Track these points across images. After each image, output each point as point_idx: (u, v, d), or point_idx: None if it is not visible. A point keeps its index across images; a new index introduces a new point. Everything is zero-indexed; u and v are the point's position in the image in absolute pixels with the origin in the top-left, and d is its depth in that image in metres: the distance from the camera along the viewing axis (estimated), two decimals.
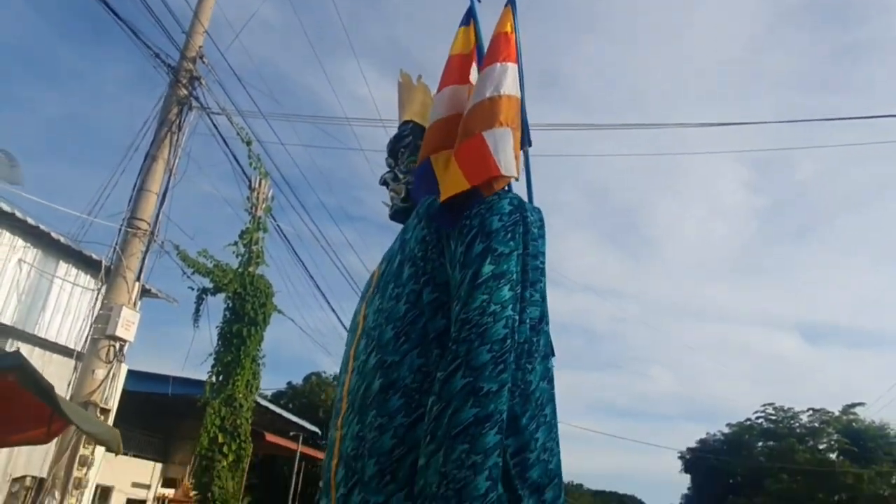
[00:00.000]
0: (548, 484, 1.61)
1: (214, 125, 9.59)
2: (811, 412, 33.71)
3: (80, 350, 7.90)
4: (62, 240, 8.37)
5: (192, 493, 14.24)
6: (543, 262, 1.80)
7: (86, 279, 9.06)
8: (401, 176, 2.23)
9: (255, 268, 10.40)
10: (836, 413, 32.74)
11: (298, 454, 20.87)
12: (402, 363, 1.66)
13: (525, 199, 2.06)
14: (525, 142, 2.17)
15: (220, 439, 9.47)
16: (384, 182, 2.27)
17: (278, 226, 10.88)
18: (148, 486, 18.14)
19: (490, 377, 1.49)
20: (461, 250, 1.70)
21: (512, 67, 2.08)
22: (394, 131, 2.42)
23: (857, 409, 32.52)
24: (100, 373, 7.72)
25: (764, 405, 36.39)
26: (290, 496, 20.14)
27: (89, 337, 7.85)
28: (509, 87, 2.03)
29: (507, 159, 1.88)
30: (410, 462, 1.54)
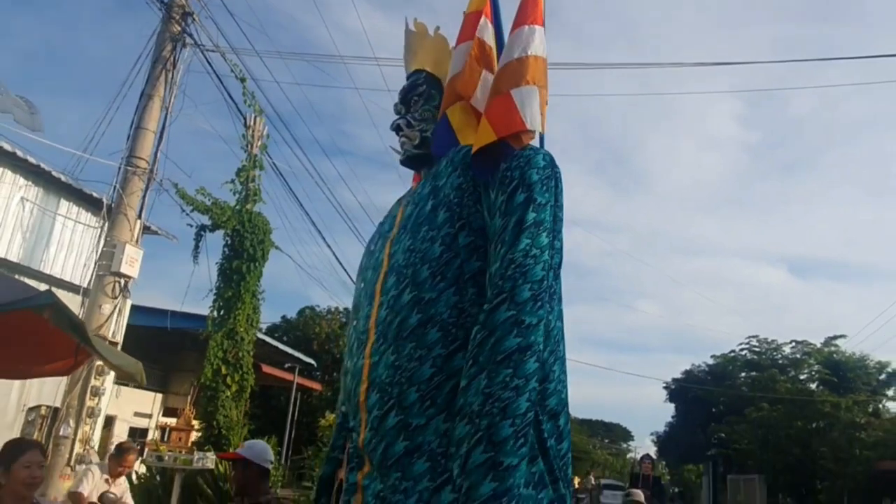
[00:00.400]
0: (561, 412, 1.80)
1: (209, 62, 9.58)
2: (794, 344, 34.58)
3: (86, 286, 8.13)
4: (63, 178, 8.48)
5: (193, 422, 14.72)
6: (563, 214, 1.92)
7: (86, 216, 9.21)
8: (414, 123, 2.29)
9: (253, 205, 10.55)
10: (818, 345, 33.63)
11: (295, 385, 21.44)
12: (439, 300, 1.81)
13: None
14: None
15: (223, 371, 9.81)
16: (396, 128, 2.32)
17: (274, 164, 10.98)
18: (149, 416, 18.71)
19: (531, 311, 1.65)
20: (503, 199, 1.82)
21: (539, 30, 2.16)
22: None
23: (839, 342, 33.35)
24: (106, 308, 7.98)
25: (748, 337, 37.28)
26: (288, 424, 20.80)
27: (94, 273, 8.08)
28: (537, 48, 2.11)
29: (532, 114, 1.99)
30: (448, 389, 1.71)
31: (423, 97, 2.34)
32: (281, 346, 20.28)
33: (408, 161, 2.36)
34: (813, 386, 30.93)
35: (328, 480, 2.08)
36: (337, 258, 30.40)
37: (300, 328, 31.17)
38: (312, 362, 23.20)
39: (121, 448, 5.73)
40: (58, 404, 8.01)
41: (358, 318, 2.07)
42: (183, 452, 11.24)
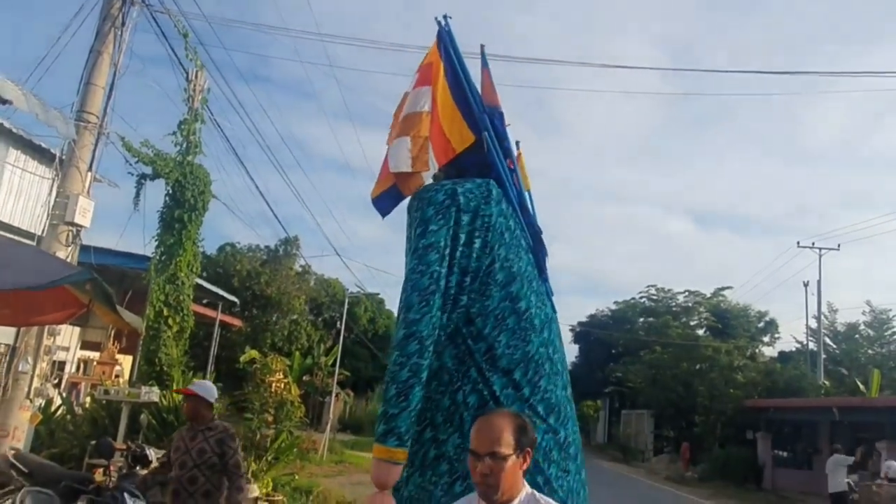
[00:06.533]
0: (514, 368, 2.59)
1: (155, 20, 9.94)
2: (687, 293, 37.74)
3: (39, 234, 8.64)
4: (14, 129, 8.81)
5: (117, 356, 15.29)
6: (489, 220, 2.62)
7: (34, 165, 9.56)
8: None
9: (194, 157, 11.06)
10: (708, 295, 36.82)
11: (218, 321, 21.98)
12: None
13: (497, 162, 2.89)
14: (481, 128, 2.91)
15: (165, 313, 10.49)
16: None
17: (214, 118, 11.47)
18: (67, 349, 18.96)
19: (416, 310, 2.46)
20: (412, 233, 2.70)
21: (415, 91, 2.92)
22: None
23: (726, 292, 36.72)
24: (60, 255, 8.52)
25: (648, 286, 40.38)
26: (210, 359, 21.50)
27: (48, 223, 8.58)
28: (409, 107, 2.89)
29: (395, 161, 2.78)
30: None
31: None
32: (205, 284, 20.68)
33: None
34: (700, 332, 33.97)
35: None
36: (261, 193, 30.55)
37: (221, 265, 31.30)
38: (235, 300, 23.68)
39: None
40: (11, 342, 8.60)
41: None
42: (111, 384, 11.89)
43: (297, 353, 25.67)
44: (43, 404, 9.52)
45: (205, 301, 21.18)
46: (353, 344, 33.09)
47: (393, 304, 37.19)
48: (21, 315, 5.01)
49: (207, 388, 4.85)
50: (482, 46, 3.25)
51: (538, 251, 3.04)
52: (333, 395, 23.27)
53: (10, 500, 5.58)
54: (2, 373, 8.04)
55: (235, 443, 4.61)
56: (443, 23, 3.08)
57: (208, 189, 11.09)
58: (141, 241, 11.62)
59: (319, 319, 34.43)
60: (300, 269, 32.68)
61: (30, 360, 8.29)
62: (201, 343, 22.54)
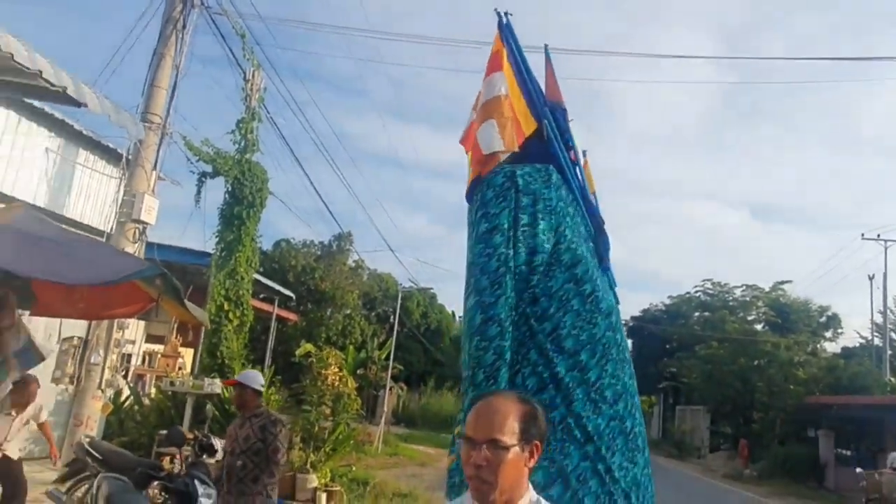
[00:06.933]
0: (581, 349, 2.53)
1: (213, 22, 10.23)
2: (744, 287, 36.71)
3: (108, 231, 9.01)
4: (84, 131, 9.23)
5: (179, 349, 15.77)
6: (552, 203, 2.61)
7: (102, 165, 9.97)
8: None
9: (251, 155, 11.36)
10: (766, 289, 35.81)
11: (275, 315, 22.41)
12: None
13: (558, 151, 2.91)
14: (541, 115, 2.99)
15: (226, 307, 10.81)
16: None
17: (270, 117, 11.74)
18: (133, 342, 19.67)
19: (490, 294, 2.43)
20: (474, 217, 2.69)
21: (491, 77, 2.98)
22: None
23: (785, 286, 35.57)
24: (128, 251, 8.88)
25: (703, 280, 39.47)
26: (268, 353, 21.97)
27: (116, 220, 8.95)
28: (487, 93, 2.94)
29: (487, 143, 2.78)
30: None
31: None
32: (263, 279, 21.12)
33: None
34: (759, 327, 33.07)
35: None
36: (315, 189, 31.06)
37: (276, 260, 31.91)
38: (291, 294, 24.12)
39: (22, 381, 5.56)
40: (82, 335, 9.00)
41: None
42: (175, 377, 12.29)
43: (351, 348, 26.04)
44: (113, 395, 9.94)
45: (262, 296, 21.58)
46: (406, 338, 33.33)
47: (445, 299, 37.32)
48: (94, 309, 5.25)
49: (251, 376, 5.02)
50: (545, 46, 3.27)
51: (600, 242, 3.02)
52: (387, 388, 23.53)
53: (87, 485, 5.87)
54: (76, 364, 8.41)
55: (277, 429, 4.70)
56: (503, 17, 3.11)
57: (265, 186, 11.38)
58: (201, 237, 12.01)
59: (373, 314, 34.79)
60: (353, 265, 33.08)
61: (101, 352, 8.68)
62: (259, 337, 23.03)
